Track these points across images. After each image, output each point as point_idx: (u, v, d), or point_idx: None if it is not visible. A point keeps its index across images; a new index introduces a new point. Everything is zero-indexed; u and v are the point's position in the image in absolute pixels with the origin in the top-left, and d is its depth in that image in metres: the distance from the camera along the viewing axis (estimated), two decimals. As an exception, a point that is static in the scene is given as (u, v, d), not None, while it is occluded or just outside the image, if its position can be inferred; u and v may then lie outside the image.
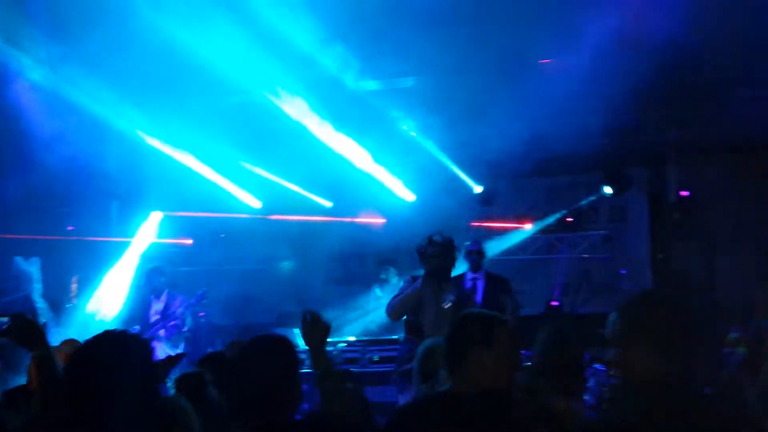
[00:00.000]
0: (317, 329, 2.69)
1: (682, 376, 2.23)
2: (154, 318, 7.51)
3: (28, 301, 7.51)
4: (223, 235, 9.83)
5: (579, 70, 6.84)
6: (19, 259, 7.81)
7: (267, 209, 9.38)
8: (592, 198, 9.23)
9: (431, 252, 5.43)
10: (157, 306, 7.59)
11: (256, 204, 9.37)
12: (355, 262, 10.46)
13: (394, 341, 7.41)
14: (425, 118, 7.97)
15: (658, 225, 9.43)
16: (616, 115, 8.55)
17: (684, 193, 8.76)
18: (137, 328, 7.36)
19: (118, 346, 2.12)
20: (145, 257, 8.94)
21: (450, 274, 5.59)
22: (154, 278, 7.79)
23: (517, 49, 6.64)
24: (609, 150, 8.90)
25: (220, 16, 5.72)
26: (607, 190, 9.01)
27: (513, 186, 9.02)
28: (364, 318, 8.27)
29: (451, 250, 5.52)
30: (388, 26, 5.70)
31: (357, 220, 9.71)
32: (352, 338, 7.68)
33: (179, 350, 7.34)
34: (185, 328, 7.52)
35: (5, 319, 4.25)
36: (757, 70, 6.84)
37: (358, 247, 10.34)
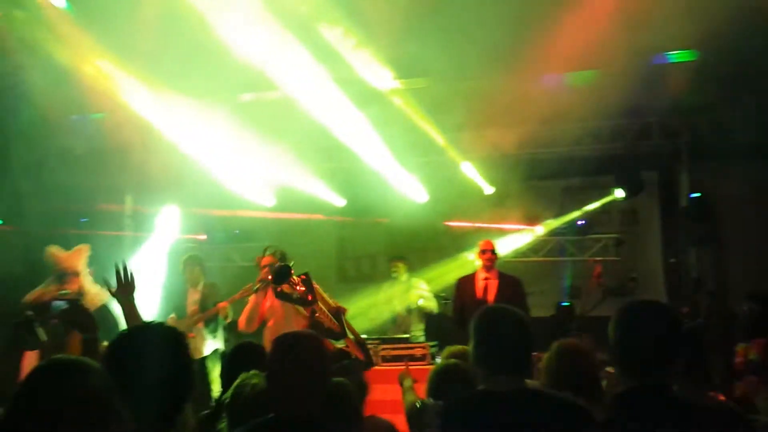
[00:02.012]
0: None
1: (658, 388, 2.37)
2: (191, 308, 7.33)
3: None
4: (237, 232, 9.88)
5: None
6: None
7: (280, 206, 9.43)
8: (604, 201, 9.23)
9: None
10: (194, 296, 7.41)
11: (269, 201, 9.42)
12: (366, 260, 10.53)
13: (405, 340, 7.47)
14: (441, 118, 7.98)
15: (670, 229, 9.42)
16: (629, 118, 8.61)
17: (695, 196, 8.74)
18: (172, 316, 7.27)
19: (155, 338, 2.16)
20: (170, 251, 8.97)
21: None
22: (190, 268, 7.59)
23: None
24: (621, 153, 8.92)
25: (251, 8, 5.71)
26: (619, 193, 9.01)
27: (525, 188, 9.03)
28: (369, 315, 8.35)
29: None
30: (409, 27, 5.73)
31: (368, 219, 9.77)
32: (363, 336, 7.70)
33: (219, 341, 7.36)
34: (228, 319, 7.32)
35: (63, 303, 4.42)
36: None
37: (369, 246, 10.42)
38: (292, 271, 4.46)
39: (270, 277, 5.49)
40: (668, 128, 8.76)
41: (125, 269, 3.33)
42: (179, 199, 9.33)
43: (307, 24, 5.91)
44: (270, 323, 5.66)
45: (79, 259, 5.19)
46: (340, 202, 9.75)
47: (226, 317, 7.19)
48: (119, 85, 6.76)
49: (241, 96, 7.71)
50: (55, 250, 5.20)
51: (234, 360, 3.57)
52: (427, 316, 8.18)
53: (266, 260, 5.62)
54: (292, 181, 8.99)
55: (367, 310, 8.45)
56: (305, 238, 9.56)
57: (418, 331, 8.14)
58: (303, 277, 4.42)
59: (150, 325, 2.26)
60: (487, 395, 2.54)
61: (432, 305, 8.02)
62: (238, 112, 7.72)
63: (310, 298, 4.34)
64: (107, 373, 1.78)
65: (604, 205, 9.29)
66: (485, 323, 2.65)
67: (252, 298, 5.60)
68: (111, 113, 7.59)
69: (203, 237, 9.83)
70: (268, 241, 8.85)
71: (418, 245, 9.55)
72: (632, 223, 9.67)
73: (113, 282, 3.36)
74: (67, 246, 5.42)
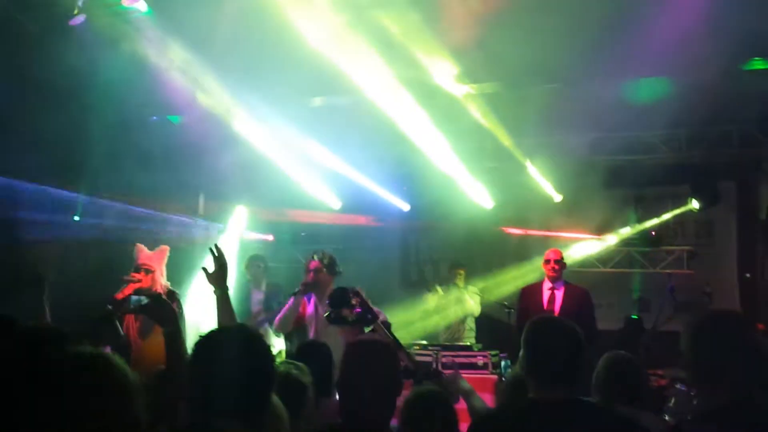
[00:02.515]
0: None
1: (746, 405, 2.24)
2: (255, 308, 7.36)
3: None
4: (303, 234, 10.02)
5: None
6: None
7: (346, 210, 9.52)
8: (679, 211, 8.95)
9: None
10: (258, 296, 7.46)
11: (335, 204, 9.52)
12: (430, 265, 10.50)
13: (468, 347, 7.42)
14: (511, 123, 7.90)
15: (747, 242, 9.04)
16: (706, 126, 8.30)
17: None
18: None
19: (240, 338, 2.22)
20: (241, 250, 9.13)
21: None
22: (254, 267, 7.68)
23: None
24: (698, 162, 8.62)
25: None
26: (695, 203, 8.70)
27: (595, 196, 8.82)
28: (425, 321, 8.35)
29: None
30: (484, 31, 5.69)
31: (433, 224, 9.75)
32: (423, 342, 7.69)
33: (282, 340, 7.46)
34: None
35: (143, 298, 4.61)
36: None
37: (432, 251, 10.39)
38: (350, 294, 4.34)
39: (312, 284, 5.55)
40: (748, 137, 8.41)
41: (219, 252, 3.43)
42: (248, 200, 9.51)
43: (382, 26, 5.92)
44: (311, 331, 5.64)
45: (160, 258, 5.30)
46: (405, 206, 9.76)
47: None
48: (198, 86, 6.95)
49: (313, 99, 7.79)
50: (141, 246, 5.33)
51: (299, 359, 3.61)
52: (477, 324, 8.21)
53: (313, 264, 5.63)
54: (359, 185, 9.06)
55: (425, 316, 8.45)
56: (369, 242, 9.62)
57: (470, 339, 8.11)
58: (357, 299, 4.27)
59: (231, 327, 2.32)
60: (535, 405, 2.52)
61: (473, 308, 8.13)
62: (309, 115, 7.82)
63: (370, 316, 4.22)
64: (129, 373, 1.83)
65: (678, 216, 9.01)
66: (535, 332, 2.63)
67: (290, 300, 5.63)
68: (188, 113, 7.82)
69: (270, 237, 10.01)
70: (333, 244, 8.97)
71: (481, 251, 9.46)
72: (707, 235, 9.33)
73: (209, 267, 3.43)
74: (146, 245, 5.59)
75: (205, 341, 2.21)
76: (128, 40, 6.07)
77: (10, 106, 6.08)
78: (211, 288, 3.39)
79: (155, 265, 5.23)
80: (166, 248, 5.40)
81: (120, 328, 5.01)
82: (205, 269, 3.44)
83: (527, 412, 2.54)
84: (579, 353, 2.55)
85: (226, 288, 3.38)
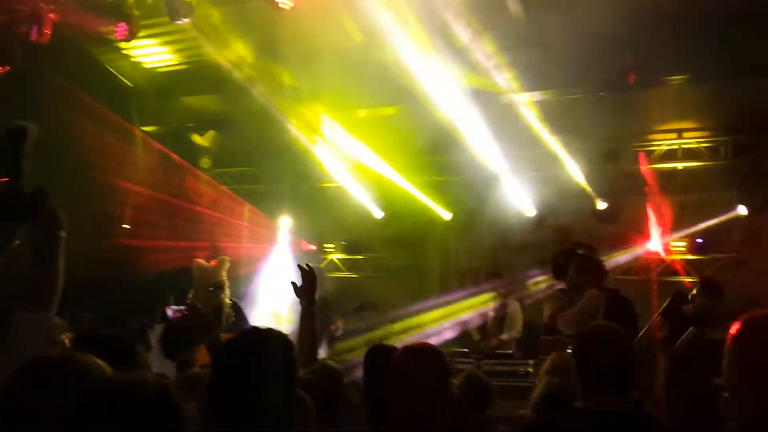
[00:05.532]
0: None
1: None
2: None
3: None
4: (344, 243, 10.12)
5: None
6: None
7: (388, 218, 9.60)
8: (725, 218, 8.78)
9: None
10: None
11: (378, 213, 9.58)
12: (469, 274, 10.48)
13: (509, 356, 7.40)
14: (559, 131, 7.92)
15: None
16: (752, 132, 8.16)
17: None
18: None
19: (262, 342, 2.24)
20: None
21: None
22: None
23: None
24: (745, 167, 8.46)
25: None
26: (742, 210, 8.54)
27: (639, 202, 8.73)
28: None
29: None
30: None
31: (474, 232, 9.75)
32: (465, 350, 7.70)
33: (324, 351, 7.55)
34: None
35: (182, 307, 4.67)
36: None
37: (473, 260, 10.37)
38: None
39: None
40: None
41: (310, 269, 3.64)
42: (293, 209, 9.67)
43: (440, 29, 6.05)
44: None
45: (222, 270, 5.28)
46: (446, 215, 9.80)
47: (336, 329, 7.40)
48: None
49: (359, 110, 7.93)
50: (201, 262, 5.32)
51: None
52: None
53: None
54: (401, 194, 9.13)
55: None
56: (411, 251, 9.67)
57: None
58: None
59: (259, 330, 2.32)
60: (585, 415, 2.50)
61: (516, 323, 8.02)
62: (356, 125, 7.96)
63: None
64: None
65: (724, 223, 8.84)
66: (586, 341, 2.62)
67: None
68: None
69: (314, 247, 10.14)
70: (374, 252, 9.06)
71: (524, 260, 9.42)
72: (754, 243, 9.12)
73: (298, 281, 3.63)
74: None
75: (225, 348, 2.26)
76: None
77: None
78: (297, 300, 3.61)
79: (221, 278, 5.20)
80: (225, 258, 5.39)
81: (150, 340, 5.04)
82: (293, 283, 3.65)
83: (578, 421, 2.51)
84: (630, 362, 2.54)
85: (313, 300, 3.59)
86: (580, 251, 5.38)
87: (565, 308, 5.22)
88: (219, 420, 2.09)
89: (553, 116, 7.66)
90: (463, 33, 6.11)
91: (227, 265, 5.36)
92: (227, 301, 5.24)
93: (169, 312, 5.08)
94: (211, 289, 5.16)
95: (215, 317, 4.86)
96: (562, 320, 5.17)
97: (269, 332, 2.29)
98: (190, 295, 5.21)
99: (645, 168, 8.55)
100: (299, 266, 3.73)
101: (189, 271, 5.33)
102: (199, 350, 4.52)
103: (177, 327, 4.38)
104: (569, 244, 5.53)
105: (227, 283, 5.29)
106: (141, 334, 4.89)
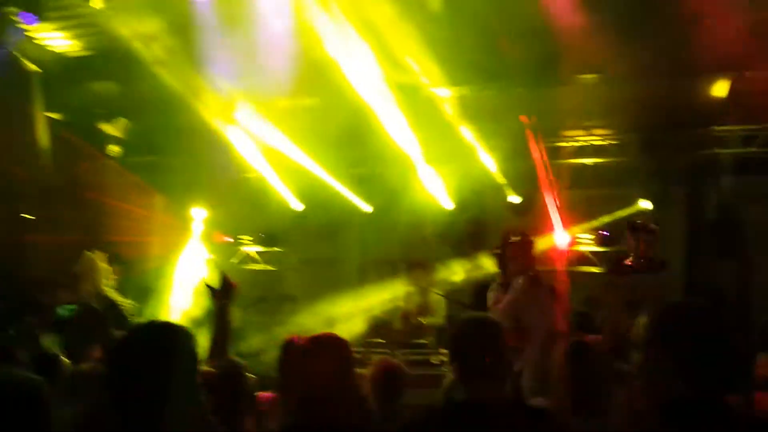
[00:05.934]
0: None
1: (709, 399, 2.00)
2: None
3: None
4: (262, 235, 9.99)
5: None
6: None
7: (307, 211, 9.54)
8: (628, 212, 9.17)
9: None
10: None
11: (297, 206, 9.50)
12: (387, 266, 10.54)
13: (424, 345, 7.50)
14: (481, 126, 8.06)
15: (694, 244, 9.33)
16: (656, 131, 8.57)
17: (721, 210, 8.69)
18: None
19: (159, 335, 2.16)
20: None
21: None
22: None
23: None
24: (647, 165, 8.87)
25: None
26: (645, 205, 8.95)
27: (549, 197, 9.00)
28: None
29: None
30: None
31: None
32: (381, 341, 7.76)
33: None
34: None
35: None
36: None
37: (390, 252, 10.44)
38: None
39: None
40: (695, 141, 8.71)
41: (226, 279, 3.64)
42: (208, 200, 9.46)
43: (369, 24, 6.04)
44: None
45: (93, 265, 5.22)
46: (367, 208, 9.82)
47: None
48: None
49: (279, 100, 7.83)
50: (89, 257, 5.24)
51: None
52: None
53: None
54: (320, 186, 9.08)
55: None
56: (329, 243, 9.65)
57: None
58: None
59: (157, 324, 2.26)
60: (464, 405, 2.48)
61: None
62: (275, 115, 7.85)
63: None
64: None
65: (627, 217, 9.22)
66: (457, 332, 2.64)
67: None
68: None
69: (229, 239, 9.96)
70: (292, 245, 9.02)
71: (441, 251, 9.56)
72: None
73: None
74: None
75: (121, 343, 2.18)
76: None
77: None
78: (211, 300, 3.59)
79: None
80: (98, 253, 5.32)
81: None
82: (209, 285, 3.62)
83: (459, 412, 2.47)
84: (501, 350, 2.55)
85: (229, 302, 3.57)
86: (514, 239, 5.41)
87: (498, 300, 5.31)
88: (117, 414, 2.03)
89: (470, 111, 7.80)
90: (383, 25, 6.12)
91: (99, 259, 5.27)
92: (118, 297, 5.15)
93: (61, 311, 4.96)
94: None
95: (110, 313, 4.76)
96: (496, 313, 5.20)
97: (167, 325, 2.23)
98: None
99: (556, 163, 8.83)
100: (221, 274, 3.69)
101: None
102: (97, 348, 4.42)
103: (73, 326, 4.29)
104: (506, 233, 5.53)
105: (102, 279, 5.17)
106: (29, 335, 4.71)
